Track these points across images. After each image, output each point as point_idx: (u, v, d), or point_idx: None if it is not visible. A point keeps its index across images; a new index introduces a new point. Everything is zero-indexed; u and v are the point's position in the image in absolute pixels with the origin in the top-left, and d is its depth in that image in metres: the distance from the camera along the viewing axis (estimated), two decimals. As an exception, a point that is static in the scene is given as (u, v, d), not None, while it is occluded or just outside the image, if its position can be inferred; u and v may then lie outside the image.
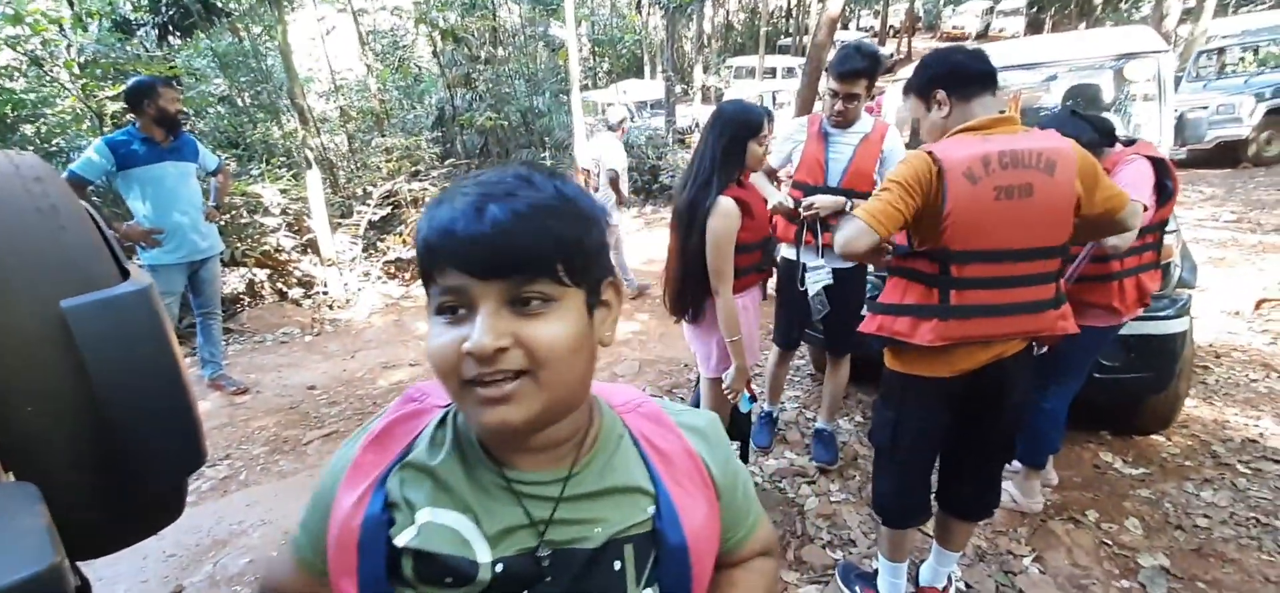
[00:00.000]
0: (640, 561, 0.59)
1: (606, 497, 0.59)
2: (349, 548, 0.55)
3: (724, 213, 1.81)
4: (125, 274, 0.57)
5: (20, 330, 0.48)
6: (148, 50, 5.73)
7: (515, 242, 0.49)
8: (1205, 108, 8.09)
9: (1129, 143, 2.03)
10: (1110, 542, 2.17)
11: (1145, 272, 2.02)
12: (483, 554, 0.55)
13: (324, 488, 0.61)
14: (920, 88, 1.57)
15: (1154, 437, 2.72)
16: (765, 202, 2.08)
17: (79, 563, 0.74)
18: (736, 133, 1.86)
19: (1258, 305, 3.99)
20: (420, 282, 0.60)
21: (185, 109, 6.18)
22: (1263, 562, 2.04)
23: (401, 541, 0.55)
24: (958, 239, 1.41)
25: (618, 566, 0.58)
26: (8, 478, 0.55)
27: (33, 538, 0.40)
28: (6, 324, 0.48)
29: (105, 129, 4.60)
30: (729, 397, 2.02)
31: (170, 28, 5.93)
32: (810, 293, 2.39)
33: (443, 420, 0.61)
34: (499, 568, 0.55)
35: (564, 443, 0.59)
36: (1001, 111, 1.49)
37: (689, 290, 1.97)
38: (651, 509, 0.60)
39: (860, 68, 2.22)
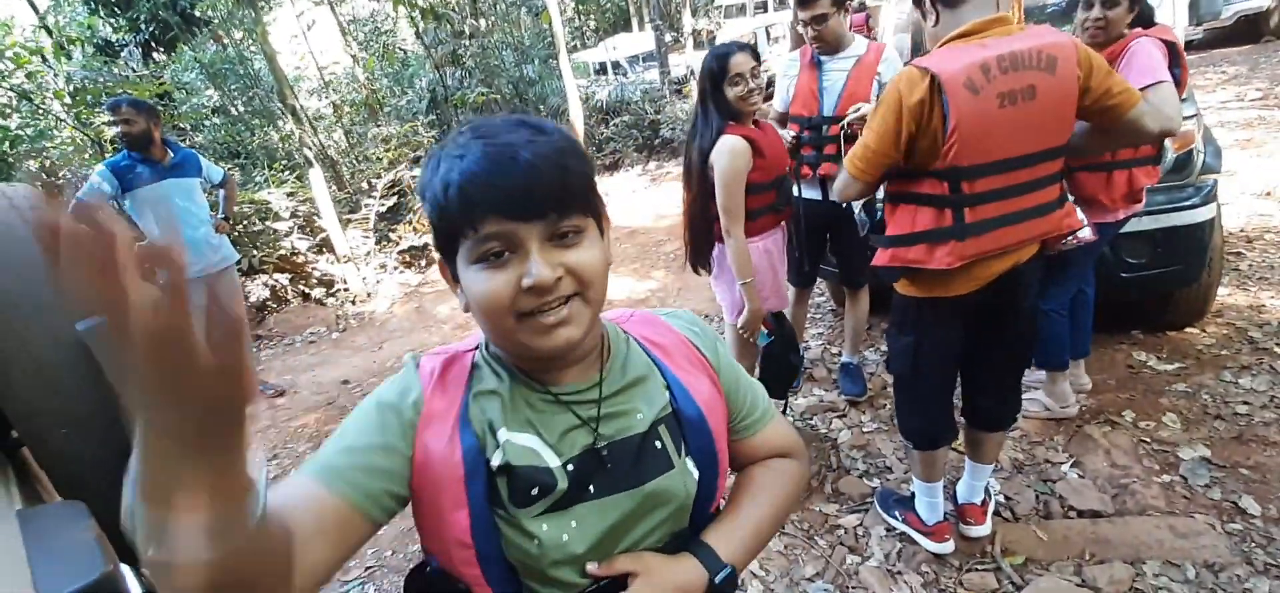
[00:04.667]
0: (674, 438, 0.68)
1: (634, 388, 0.68)
2: (457, 481, 0.60)
3: (729, 152, 1.79)
4: None
5: (40, 359, 0.49)
6: (134, 70, 5.69)
7: (549, 183, 0.55)
8: (1222, -19, 7.69)
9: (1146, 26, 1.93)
10: (1149, 439, 2.15)
11: (1140, 166, 1.93)
12: (552, 460, 0.62)
13: (387, 441, 0.60)
14: None
15: (1188, 330, 2.67)
16: (780, 141, 2.02)
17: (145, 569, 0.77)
18: (706, 85, 1.87)
19: (1289, 183, 3.85)
20: (435, 241, 0.61)
21: (180, 124, 6.18)
22: (1307, 440, 2.01)
23: (495, 460, 0.60)
24: (966, 155, 1.36)
25: (659, 445, 0.67)
26: (57, 500, 0.57)
27: (84, 552, 0.41)
28: (24, 354, 0.49)
29: (107, 155, 4.62)
30: (746, 337, 2.01)
31: (153, 44, 5.89)
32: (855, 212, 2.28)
33: (481, 360, 0.67)
34: (570, 467, 0.62)
35: (591, 353, 0.66)
36: (998, 8, 1.41)
37: (700, 237, 1.97)
38: (668, 393, 0.69)
39: None
